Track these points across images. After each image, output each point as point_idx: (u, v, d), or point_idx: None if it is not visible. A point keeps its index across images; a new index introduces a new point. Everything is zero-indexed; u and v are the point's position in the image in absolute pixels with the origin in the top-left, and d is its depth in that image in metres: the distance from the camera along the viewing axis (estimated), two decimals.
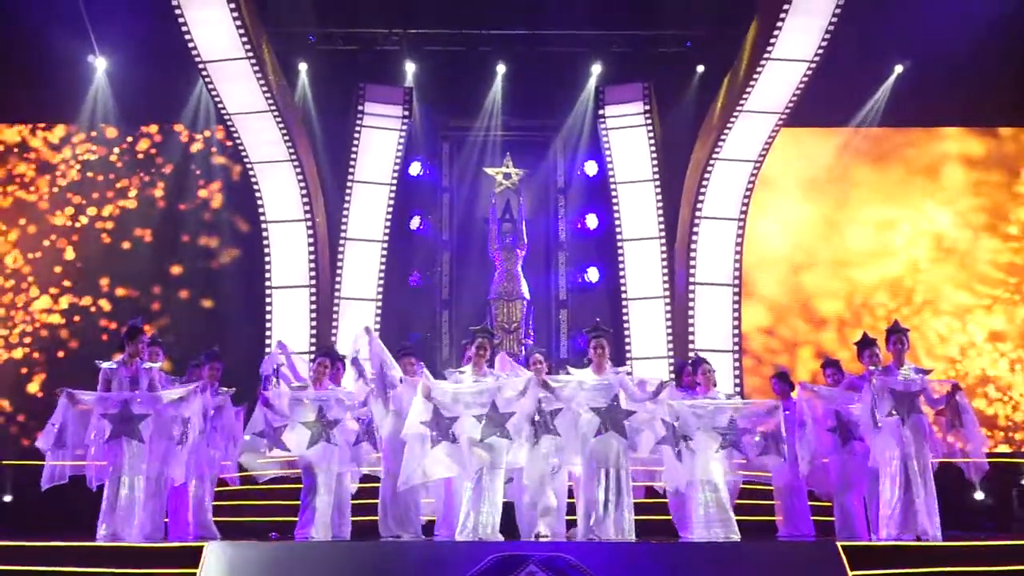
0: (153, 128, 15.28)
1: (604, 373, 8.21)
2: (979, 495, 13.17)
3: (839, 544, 7.42)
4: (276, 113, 13.15)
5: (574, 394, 8.01)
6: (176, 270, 14.96)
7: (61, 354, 14.60)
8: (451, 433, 7.75)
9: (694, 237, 14.09)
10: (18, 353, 14.57)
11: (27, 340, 14.64)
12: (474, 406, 7.85)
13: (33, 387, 14.42)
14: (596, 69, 15.19)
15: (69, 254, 14.94)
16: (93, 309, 14.78)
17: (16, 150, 15.19)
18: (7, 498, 12.38)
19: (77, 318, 14.74)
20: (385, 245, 14.51)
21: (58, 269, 14.88)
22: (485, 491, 7.75)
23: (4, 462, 11.74)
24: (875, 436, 8.27)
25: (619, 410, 7.97)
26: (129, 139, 15.25)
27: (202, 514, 8.98)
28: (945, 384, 8.54)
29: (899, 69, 14.94)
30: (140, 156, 15.26)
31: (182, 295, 14.86)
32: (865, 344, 8.73)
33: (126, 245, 15.00)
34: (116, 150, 15.20)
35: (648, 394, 8.18)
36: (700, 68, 15.16)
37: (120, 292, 14.86)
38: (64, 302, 14.80)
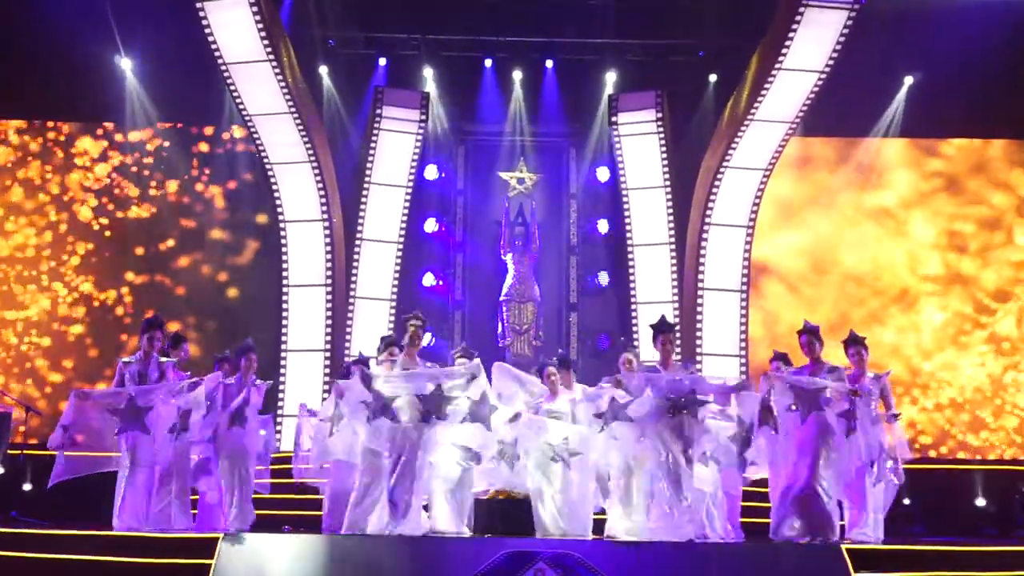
0: (170, 127, 15.51)
1: (670, 369, 8.29)
2: (981, 501, 13.39)
3: (843, 547, 7.54)
4: (296, 115, 13.33)
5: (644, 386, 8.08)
6: (196, 266, 15.25)
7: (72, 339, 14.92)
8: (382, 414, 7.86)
9: (703, 243, 14.26)
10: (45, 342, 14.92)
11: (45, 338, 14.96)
12: (403, 392, 7.92)
13: (56, 377, 14.74)
14: (610, 77, 15.42)
15: (89, 250, 15.21)
16: (112, 303, 15.06)
17: (40, 148, 15.43)
18: (26, 487, 12.58)
19: (94, 311, 15.03)
20: (400, 246, 14.76)
21: (77, 262, 15.15)
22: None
23: (25, 451, 11.91)
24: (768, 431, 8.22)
25: (694, 400, 7.98)
26: (150, 138, 15.49)
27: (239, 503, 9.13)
28: (841, 389, 8.19)
29: (909, 81, 15.13)
30: (163, 155, 15.50)
31: (201, 292, 15.15)
32: (852, 342, 8.88)
33: (145, 243, 15.29)
34: (139, 149, 15.46)
35: (730, 387, 8.35)
36: (713, 77, 15.37)
37: (138, 285, 15.13)
38: (84, 296, 15.07)
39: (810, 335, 8.52)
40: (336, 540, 7.84)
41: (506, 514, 8.88)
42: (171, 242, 15.29)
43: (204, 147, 15.51)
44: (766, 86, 13.10)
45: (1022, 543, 9.18)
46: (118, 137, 15.39)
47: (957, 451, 14.85)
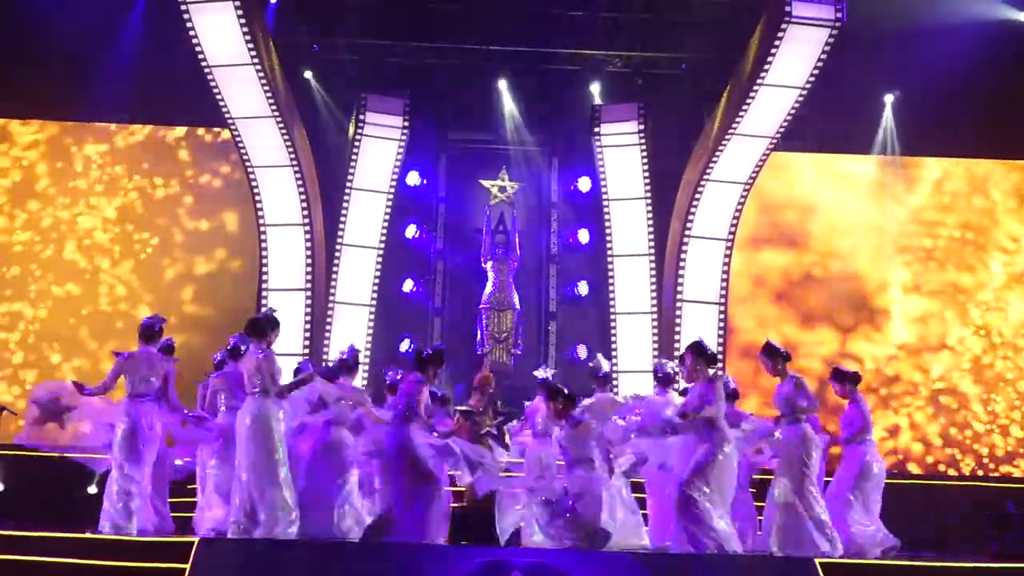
0: (149, 128, 15.64)
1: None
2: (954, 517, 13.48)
3: (816, 561, 7.59)
4: (279, 119, 13.31)
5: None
6: (176, 269, 15.29)
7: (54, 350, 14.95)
8: None
9: (683, 255, 14.33)
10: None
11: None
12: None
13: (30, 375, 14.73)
14: (593, 88, 15.50)
15: (70, 251, 15.23)
16: (102, 301, 15.16)
17: (27, 144, 15.51)
18: None
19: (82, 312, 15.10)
20: (381, 252, 14.77)
21: (60, 264, 15.17)
22: None
23: None
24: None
25: None
26: (129, 137, 15.55)
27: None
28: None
29: (890, 99, 15.33)
30: (139, 154, 15.57)
31: (183, 294, 15.20)
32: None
33: (132, 243, 15.34)
34: (117, 147, 15.53)
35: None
36: (695, 90, 15.46)
37: (121, 291, 15.18)
38: (71, 295, 15.11)
39: (763, 355, 8.77)
40: (311, 546, 7.83)
41: (482, 523, 8.92)
42: (151, 242, 15.31)
43: (182, 147, 15.62)
44: (748, 101, 13.18)
45: (996, 560, 9.28)
46: (89, 132, 15.45)
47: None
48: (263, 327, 8.37)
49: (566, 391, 8.48)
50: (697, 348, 8.13)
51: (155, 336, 8.66)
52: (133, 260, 15.30)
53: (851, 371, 9.65)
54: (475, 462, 8.25)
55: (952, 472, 15.01)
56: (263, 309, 9.16)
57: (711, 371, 8.07)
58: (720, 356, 14.18)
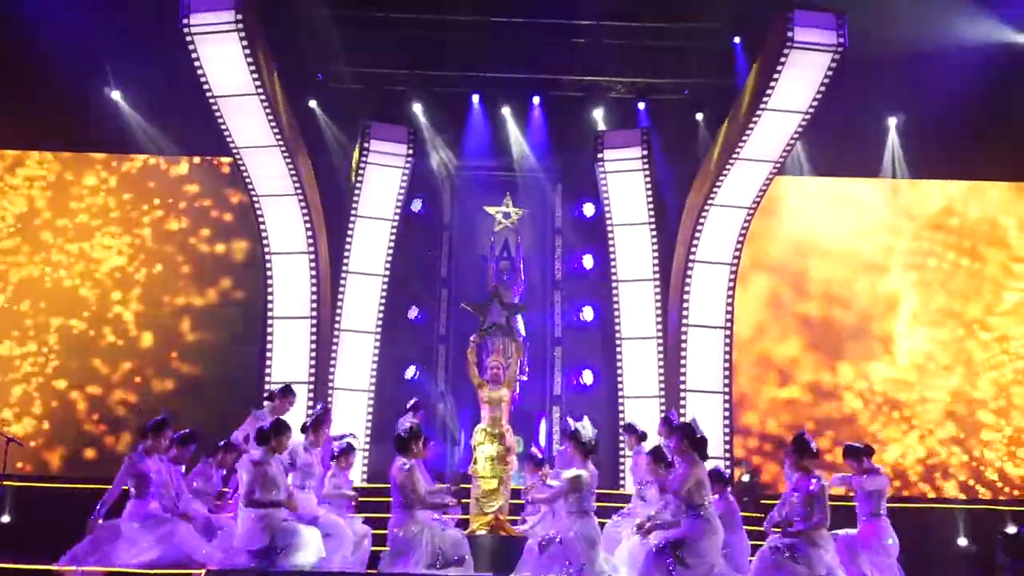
0: (156, 159, 15.78)
1: None
2: (963, 541, 13.42)
3: None
4: (283, 148, 13.37)
5: None
6: (183, 299, 15.38)
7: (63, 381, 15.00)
8: None
9: (688, 280, 14.34)
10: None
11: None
12: None
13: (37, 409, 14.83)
14: (597, 113, 15.56)
15: (76, 282, 15.35)
16: (106, 331, 15.25)
17: (34, 175, 15.70)
18: (4, 519, 12.50)
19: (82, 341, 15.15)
20: (386, 279, 14.79)
21: (68, 296, 15.33)
22: None
23: (4, 483, 11.82)
24: None
25: None
26: (135, 168, 15.69)
27: None
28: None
29: (893, 122, 15.38)
30: (149, 185, 15.71)
31: (185, 324, 15.26)
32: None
33: (138, 271, 15.48)
34: (118, 179, 15.69)
35: None
36: (699, 116, 15.52)
37: (128, 317, 15.28)
38: (71, 327, 15.21)
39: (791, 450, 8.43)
40: None
41: (493, 551, 8.92)
42: (156, 271, 15.43)
43: (185, 177, 15.80)
44: (751, 126, 13.22)
45: None
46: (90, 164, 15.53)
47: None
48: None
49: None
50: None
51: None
52: (140, 289, 15.42)
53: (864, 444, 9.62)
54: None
55: (962, 496, 14.94)
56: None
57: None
58: (727, 381, 14.20)
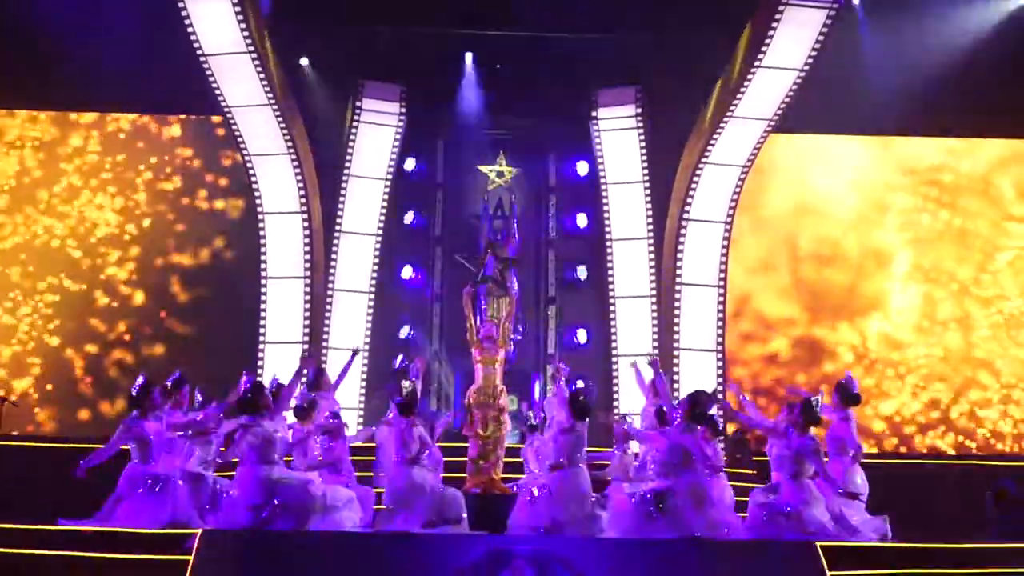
0: (148, 118, 15.66)
1: None
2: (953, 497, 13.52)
3: (817, 544, 7.62)
4: (275, 107, 13.27)
5: None
6: (176, 258, 15.32)
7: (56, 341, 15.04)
8: None
9: (681, 239, 14.31)
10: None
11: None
12: None
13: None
14: (591, 71, 15.40)
15: (69, 242, 15.29)
16: (100, 294, 15.21)
17: (24, 136, 15.61)
18: None
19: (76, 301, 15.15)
20: (379, 239, 14.74)
21: (59, 256, 15.25)
22: None
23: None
24: None
25: None
26: (123, 127, 15.59)
27: None
28: None
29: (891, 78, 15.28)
30: (139, 144, 15.60)
31: (177, 285, 15.24)
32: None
33: (130, 232, 15.39)
34: (103, 137, 15.62)
35: None
36: (693, 73, 15.35)
37: (122, 278, 15.24)
38: (65, 288, 15.19)
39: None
40: (316, 537, 7.82)
41: (487, 510, 8.97)
42: (146, 230, 15.40)
43: (179, 136, 15.68)
44: (745, 83, 13.14)
45: (993, 540, 9.31)
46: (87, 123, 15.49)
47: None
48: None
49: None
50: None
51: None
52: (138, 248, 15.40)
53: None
54: None
55: (952, 452, 15.05)
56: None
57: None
58: (720, 340, 14.22)
